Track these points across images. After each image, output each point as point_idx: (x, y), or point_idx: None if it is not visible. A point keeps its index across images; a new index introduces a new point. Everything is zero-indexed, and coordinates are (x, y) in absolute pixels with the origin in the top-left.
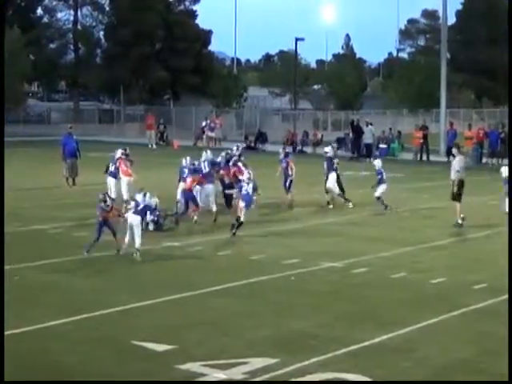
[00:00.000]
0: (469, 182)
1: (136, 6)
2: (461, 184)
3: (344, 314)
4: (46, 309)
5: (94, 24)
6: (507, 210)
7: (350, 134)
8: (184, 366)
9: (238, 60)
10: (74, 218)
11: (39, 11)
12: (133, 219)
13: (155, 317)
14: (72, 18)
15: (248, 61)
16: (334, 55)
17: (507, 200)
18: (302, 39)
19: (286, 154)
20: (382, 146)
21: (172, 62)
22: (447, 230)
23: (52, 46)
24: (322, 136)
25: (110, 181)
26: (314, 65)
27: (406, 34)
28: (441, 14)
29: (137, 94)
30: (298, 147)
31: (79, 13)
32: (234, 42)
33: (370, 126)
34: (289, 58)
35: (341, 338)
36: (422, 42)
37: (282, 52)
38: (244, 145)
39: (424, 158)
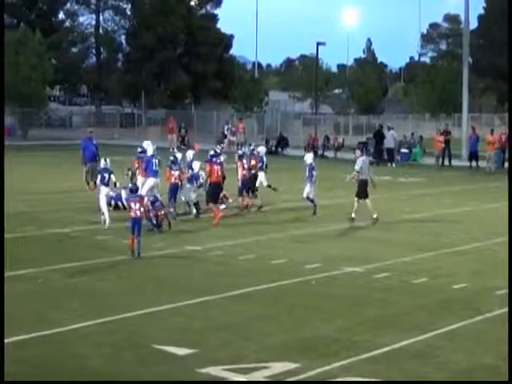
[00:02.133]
0: (493, 187)
1: (157, 10)
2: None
3: (366, 318)
4: (70, 311)
5: (115, 28)
6: None
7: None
8: (205, 369)
9: (260, 64)
10: (96, 222)
11: (61, 15)
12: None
13: (177, 321)
14: (94, 23)
15: (269, 65)
16: (355, 59)
17: None
18: (324, 43)
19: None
20: (404, 150)
21: (193, 66)
22: (470, 235)
23: (74, 50)
24: (343, 140)
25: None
26: (335, 69)
27: (427, 39)
28: (463, 18)
29: (158, 98)
30: (319, 152)
31: (101, 17)
32: (255, 46)
33: (391, 131)
34: (310, 63)
35: (362, 343)
36: (443, 46)
37: (303, 56)
38: (220, 147)
39: (446, 162)
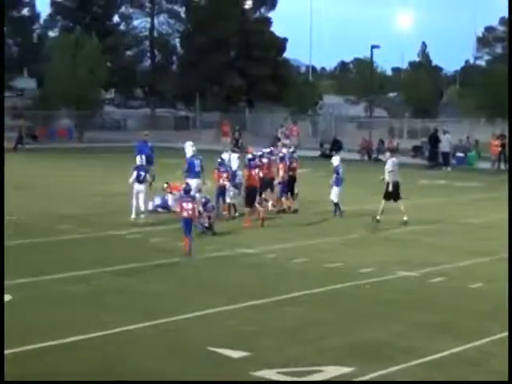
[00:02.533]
0: None
1: (211, 13)
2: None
3: (420, 323)
4: (122, 313)
5: (169, 31)
6: None
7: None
8: (259, 372)
9: (314, 67)
10: (150, 224)
11: (116, 18)
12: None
13: (231, 323)
14: (148, 26)
15: (323, 68)
16: (409, 63)
17: None
18: (378, 46)
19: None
20: (459, 154)
21: (247, 70)
22: None
23: (129, 53)
24: (398, 144)
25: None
26: (389, 72)
27: (483, 42)
28: None
29: (212, 101)
30: (374, 155)
31: (155, 20)
32: (309, 49)
33: (446, 135)
34: (364, 66)
35: (416, 348)
36: (499, 49)
37: (357, 59)
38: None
39: (502, 167)
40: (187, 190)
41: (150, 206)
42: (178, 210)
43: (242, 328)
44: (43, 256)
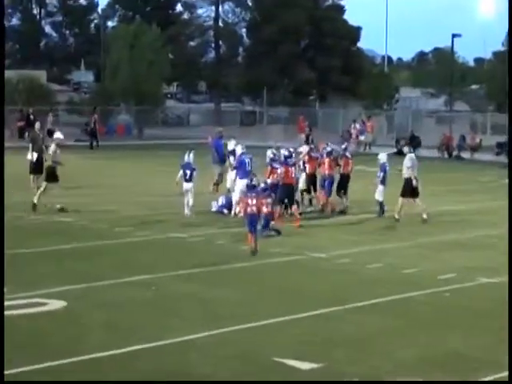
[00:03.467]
0: None
1: (280, 1)
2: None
3: (506, 335)
4: (185, 321)
5: (236, 21)
6: None
7: None
8: None
9: (390, 58)
10: (215, 226)
11: (179, 7)
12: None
13: (299, 332)
14: (213, 15)
15: (400, 59)
16: (493, 53)
17: None
18: (459, 35)
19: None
20: None
21: (319, 61)
22: None
23: (192, 44)
24: (481, 140)
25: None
26: (471, 63)
27: None
28: None
29: (280, 95)
30: (455, 152)
31: (220, 9)
32: (384, 38)
33: None
34: (444, 56)
35: (503, 361)
36: None
37: (436, 49)
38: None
39: None
40: (251, 186)
41: (214, 207)
42: (242, 207)
43: (310, 338)
44: (99, 260)
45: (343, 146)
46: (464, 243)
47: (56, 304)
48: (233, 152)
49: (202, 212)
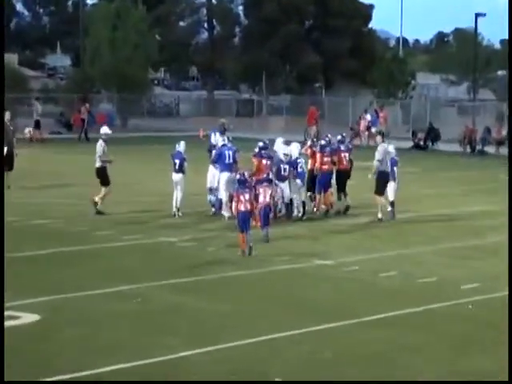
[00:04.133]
0: None
1: None
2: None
3: None
4: (176, 336)
5: None
6: None
7: None
8: None
9: (405, 40)
10: (208, 229)
11: None
12: None
13: (303, 350)
14: None
15: (417, 41)
16: None
17: None
18: (483, 15)
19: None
20: None
21: (325, 44)
22: None
23: (182, 24)
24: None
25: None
26: (497, 45)
27: None
28: None
29: (282, 82)
30: (478, 147)
31: None
32: (399, 18)
33: None
34: (467, 38)
35: None
36: None
37: (458, 30)
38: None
39: None
40: (242, 181)
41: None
42: (234, 203)
43: (316, 355)
44: (80, 268)
45: (338, 138)
46: (489, 248)
47: (29, 318)
48: (215, 146)
49: (195, 213)
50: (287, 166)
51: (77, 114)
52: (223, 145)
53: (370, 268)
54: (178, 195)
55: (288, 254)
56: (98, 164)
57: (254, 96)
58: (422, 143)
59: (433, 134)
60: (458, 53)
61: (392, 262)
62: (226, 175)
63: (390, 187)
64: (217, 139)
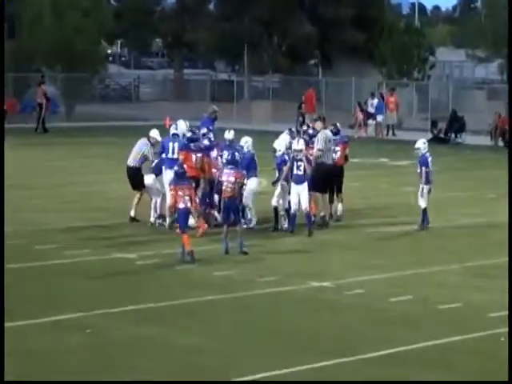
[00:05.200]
0: None
1: None
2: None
3: None
4: (139, 376)
5: None
6: None
7: None
8: None
9: (422, 7)
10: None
11: None
12: None
13: None
14: None
15: (436, 8)
16: None
17: None
18: None
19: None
20: None
21: (322, 11)
22: None
23: None
24: None
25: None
26: None
27: None
28: None
29: (268, 59)
30: None
31: None
32: None
33: None
34: (498, 5)
35: None
36: None
37: None
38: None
39: None
40: (180, 174)
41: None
42: (171, 201)
43: None
44: (12, 291)
45: (331, 128)
46: None
47: None
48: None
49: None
50: (302, 163)
51: (10, 98)
52: (173, 134)
53: (378, 291)
54: (152, 201)
55: (276, 274)
56: (136, 163)
57: (233, 76)
58: (442, 135)
59: (456, 124)
60: (488, 23)
61: (406, 283)
62: (170, 174)
63: (423, 192)
64: (182, 128)
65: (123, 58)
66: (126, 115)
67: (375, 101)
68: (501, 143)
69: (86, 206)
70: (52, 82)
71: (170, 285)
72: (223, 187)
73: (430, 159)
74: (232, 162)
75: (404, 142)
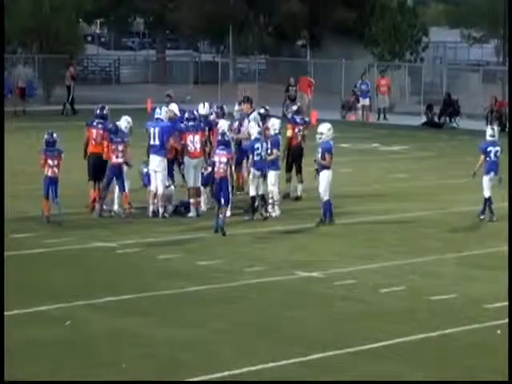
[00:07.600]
0: None
1: None
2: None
3: None
4: (119, 372)
5: None
6: None
7: None
8: None
9: None
10: (156, 231)
11: None
12: None
13: None
14: None
15: None
16: None
17: None
18: None
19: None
20: None
21: None
22: None
23: None
24: None
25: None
26: None
27: None
28: None
29: (254, 39)
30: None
31: None
32: None
33: None
34: None
35: None
36: None
37: None
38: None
39: None
40: (50, 142)
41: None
42: (42, 166)
43: None
44: None
45: (294, 108)
46: None
47: None
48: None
49: (142, 212)
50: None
51: None
52: (157, 118)
53: (370, 282)
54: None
55: (262, 264)
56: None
57: (217, 57)
58: (436, 119)
59: (450, 108)
60: (484, 1)
61: (398, 273)
62: (152, 161)
63: (485, 181)
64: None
65: (103, 39)
66: (105, 98)
67: (363, 85)
68: (497, 127)
69: (64, 192)
70: (28, 64)
71: (152, 275)
72: (215, 168)
73: (499, 147)
74: (223, 143)
75: (396, 127)
